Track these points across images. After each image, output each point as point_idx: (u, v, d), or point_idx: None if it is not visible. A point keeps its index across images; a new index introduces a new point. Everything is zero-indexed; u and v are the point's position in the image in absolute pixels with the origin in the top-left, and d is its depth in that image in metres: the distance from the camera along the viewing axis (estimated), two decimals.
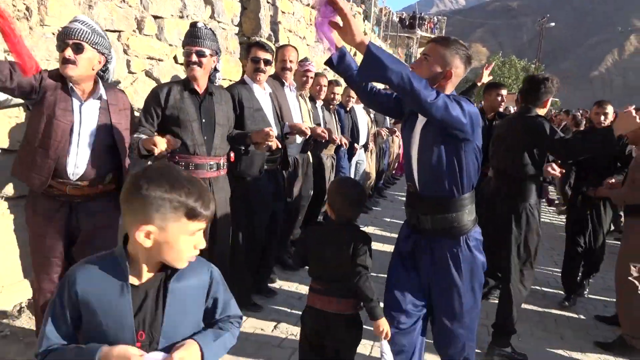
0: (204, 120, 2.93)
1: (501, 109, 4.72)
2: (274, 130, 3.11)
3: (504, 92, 4.65)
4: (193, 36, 2.87)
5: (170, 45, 4.16)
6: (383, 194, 8.34)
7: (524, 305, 3.48)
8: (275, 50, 4.06)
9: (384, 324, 2.11)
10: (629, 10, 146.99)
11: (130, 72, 3.83)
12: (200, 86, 2.95)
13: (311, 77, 4.39)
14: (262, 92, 3.54)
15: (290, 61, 3.90)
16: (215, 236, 3.05)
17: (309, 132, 3.83)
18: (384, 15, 18.42)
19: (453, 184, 2.12)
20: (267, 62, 3.47)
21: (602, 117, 4.37)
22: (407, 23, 27.39)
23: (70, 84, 2.38)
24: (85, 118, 2.41)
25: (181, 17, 4.28)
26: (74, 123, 2.37)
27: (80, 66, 2.33)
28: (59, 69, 2.39)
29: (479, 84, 4.82)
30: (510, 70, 47.56)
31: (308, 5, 6.95)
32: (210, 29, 2.96)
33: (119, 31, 3.73)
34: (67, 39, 2.30)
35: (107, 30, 3.60)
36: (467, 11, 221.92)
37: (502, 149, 3.35)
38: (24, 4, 3.01)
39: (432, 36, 30.23)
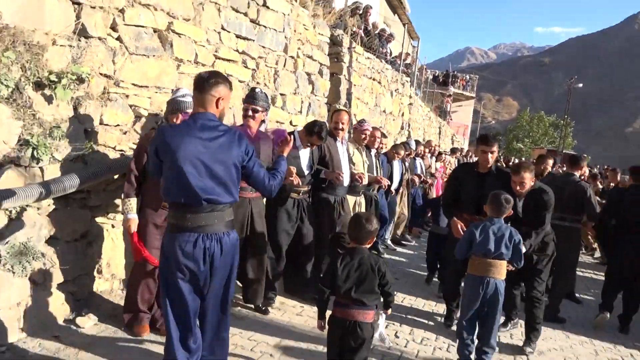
0: None
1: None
2: (305, 173, 4.39)
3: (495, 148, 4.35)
4: (251, 97, 3.91)
5: (289, 113, 6.04)
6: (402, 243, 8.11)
7: None
8: (332, 113, 5.23)
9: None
10: None
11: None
12: (253, 132, 3.92)
13: (368, 134, 5.71)
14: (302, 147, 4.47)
15: (342, 123, 4.89)
16: (254, 240, 4.03)
17: (385, 183, 5.68)
18: (423, 76, 20.40)
19: None
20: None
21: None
22: (440, 80, 29.35)
23: None
24: None
25: (295, 94, 6.18)
26: None
27: None
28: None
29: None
30: (539, 125, 49.12)
31: (371, 78, 8.87)
32: (264, 92, 3.97)
33: None
34: (179, 109, 3.38)
35: None
36: (498, 65, 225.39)
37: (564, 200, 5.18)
38: None
39: (465, 92, 32.02)
